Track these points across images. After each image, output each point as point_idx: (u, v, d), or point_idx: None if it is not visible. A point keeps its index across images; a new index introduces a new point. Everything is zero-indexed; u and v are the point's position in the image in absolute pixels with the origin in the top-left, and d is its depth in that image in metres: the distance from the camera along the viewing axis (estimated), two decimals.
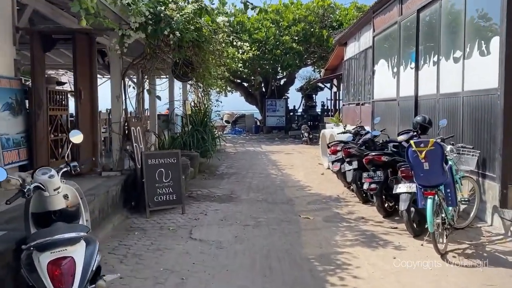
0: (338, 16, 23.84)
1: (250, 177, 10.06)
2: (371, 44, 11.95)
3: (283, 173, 10.68)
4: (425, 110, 8.16)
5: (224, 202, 7.34)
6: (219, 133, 26.49)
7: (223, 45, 9.82)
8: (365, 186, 6.43)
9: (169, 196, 6.59)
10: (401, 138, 7.08)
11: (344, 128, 9.61)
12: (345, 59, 16.08)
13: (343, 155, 7.57)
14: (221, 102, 16.79)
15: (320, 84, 26.72)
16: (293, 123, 24.88)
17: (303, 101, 27.09)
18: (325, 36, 22.54)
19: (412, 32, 8.95)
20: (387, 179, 6.27)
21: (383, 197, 6.36)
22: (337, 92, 20.63)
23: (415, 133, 6.87)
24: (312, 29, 22.94)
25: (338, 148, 8.39)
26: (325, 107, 26.59)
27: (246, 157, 14.00)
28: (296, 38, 22.94)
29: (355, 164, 7.29)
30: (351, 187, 7.68)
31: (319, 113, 26.97)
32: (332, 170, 8.65)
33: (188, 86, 15.76)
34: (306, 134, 19.50)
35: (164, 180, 6.57)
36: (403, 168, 5.49)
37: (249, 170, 11.09)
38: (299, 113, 26.98)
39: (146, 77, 7.06)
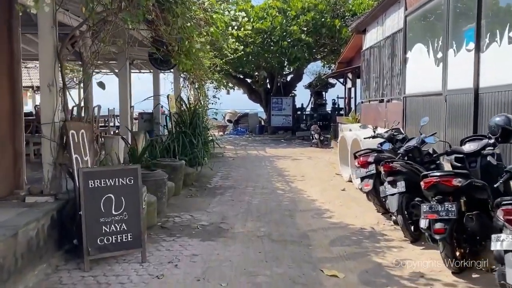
0: (351, 6, 21.48)
1: (250, 193, 7.78)
2: (402, 26, 9.62)
3: (292, 187, 8.38)
4: (491, 107, 5.84)
5: (209, 239, 5.05)
6: (219, 133, 24.34)
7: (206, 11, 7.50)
8: (423, 224, 4.11)
9: (122, 236, 4.31)
10: (469, 147, 4.80)
11: (374, 131, 7.28)
12: (364, 48, 13.74)
13: (384, 172, 5.26)
14: (218, 98, 14.51)
15: (331, 80, 24.39)
16: (301, 123, 22.55)
17: (312, 99, 24.73)
18: (337, 27, 20.19)
19: (469, 2, 6.62)
20: (460, 214, 3.97)
21: (454, 241, 4.07)
22: (352, 88, 18.28)
23: (494, 140, 4.58)
24: (323, 19, 20.57)
25: (370, 159, 6.10)
26: (337, 106, 24.26)
27: (247, 164, 11.71)
28: (305, 28, 20.60)
29: (401, 186, 4.99)
30: (393, 217, 5.36)
31: (330, 112, 24.63)
32: (362, 190, 6.34)
33: (182, 80, 13.54)
34: (316, 136, 17.17)
35: (114, 212, 4.29)
36: (508, 207, 3.19)
37: (249, 183, 8.81)
38: (307, 112, 24.62)
39: (94, 60, 4.77)
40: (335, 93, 29.49)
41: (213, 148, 11.45)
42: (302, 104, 24.69)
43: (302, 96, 26.54)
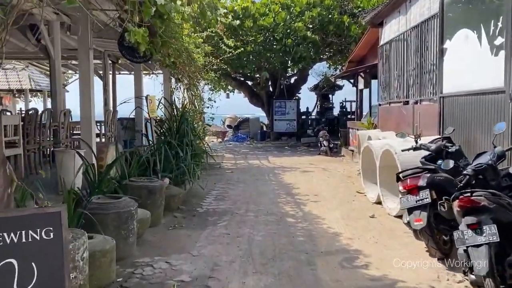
0: (359, 2, 19.73)
1: (251, 222, 5.96)
2: (437, 10, 7.84)
3: (305, 212, 6.57)
4: None
5: None
6: (218, 140, 22.54)
7: None
8: None
9: None
10: None
11: (416, 141, 5.45)
12: (381, 43, 11.96)
13: (459, 208, 3.46)
14: (214, 101, 12.69)
15: (338, 82, 22.64)
16: (308, 128, 20.72)
17: (318, 102, 22.92)
18: (346, 23, 18.46)
19: None
20: None
21: None
22: (365, 90, 16.47)
23: None
24: (330, 16, 18.83)
25: (422, 182, 4.31)
26: (345, 109, 22.48)
27: (248, 178, 9.88)
28: (311, 26, 18.88)
29: (491, 233, 3.19)
30: (471, 275, 3.52)
31: (337, 116, 22.85)
32: (410, 226, 4.51)
33: (174, 81, 11.79)
34: (325, 143, 15.36)
35: None
36: None
37: (251, 205, 7.00)
38: (313, 117, 22.79)
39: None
40: (342, 96, 27.79)
41: (208, 159, 9.71)
42: (307, 108, 22.89)
43: (307, 100, 24.75)
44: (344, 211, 6.57)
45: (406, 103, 9.89)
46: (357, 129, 14.29)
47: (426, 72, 8.53)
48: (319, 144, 15.98)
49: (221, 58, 13.10)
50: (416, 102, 9.17)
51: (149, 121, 7.54)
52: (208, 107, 12.71)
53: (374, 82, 14.77)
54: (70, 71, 17.29)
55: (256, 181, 9.41)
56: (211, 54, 12.62)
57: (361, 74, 15.81)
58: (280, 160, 13.92)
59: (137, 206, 4.74)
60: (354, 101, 22.74)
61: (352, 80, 19.07)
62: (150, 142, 7.12)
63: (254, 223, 5.87)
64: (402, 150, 5.62)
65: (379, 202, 6.90)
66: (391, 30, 11.18)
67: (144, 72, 15.96)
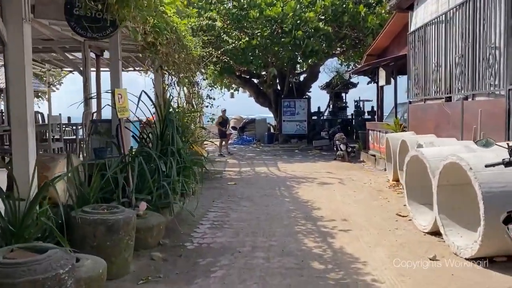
0: None
1: (260, 272, 4.09)
2: None
3: (335, 251, 4.68)
4: None
5: None
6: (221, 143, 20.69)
7: None
8: None
9: None
10: None
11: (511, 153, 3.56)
12: (412, 29, 10.07)
13: None
14: (213, 99, 10.80)
15: (353, 79, 20.75)
16: (322, 130, 18.82)
17: (330, 101, 21.00)
18: (362, 14, 16.55)
19: None
20: None
21: None
22: (387, 86, 14.54)
23: None
24: (344, 5, 16.94)
25: None
26: (360, 109, 20.56)
27: (254, 193, 8.01)
28: (324, 16, 17.02)
29: None
30: None
31: (351, 116, 20.95)
32: None
33: (168, 76, 9.96)
34: (342, 147, 13.48)
35: None
36: None
37: (259, 238, 5.12)
38: (325, 117, 20.87)
39: None
40: (355, 95, 25.92)
41: (207, 167, 7.92)
42: (318, 108, 20.98)
43: (318, 99, 22.94)
44: (389, 248, 4.69)
45: (449, 99, 8.01)
46: (381, 131, 12.42)
47: (483, 59, 6.64)
48: (334, 148, 14.10)
49: (222, 50, 11.26)
50: (465, 98, 7.29)
51: (135, 123, 5.75)
52: (207, 106, 10.87)
53: (398, 78, 12.89)
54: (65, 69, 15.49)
55: (264, 198, 7.53)
56: (211, 45, 10.85)
57: (382, 68, 13.90)
58: (291, 167, 12.05)
59: (75, 261, 2.91)
60: (368, 100, 20.94)
61: (370, 76, 17.17)
62: (124, 152, 5.28)
63: (264, 273, 4.00)
64: (486, 166, 3.72)
65: (434, 233, 5.02)
66: (426, 12, 9.28)
67: (139, 69, 14.25)
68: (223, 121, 16.30)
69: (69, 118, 10.66)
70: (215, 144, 20.21)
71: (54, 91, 19.54)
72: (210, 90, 10.81)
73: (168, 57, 8.19)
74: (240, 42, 12.11)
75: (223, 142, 16.48)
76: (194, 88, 10.67)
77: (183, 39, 7.96)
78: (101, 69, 14.35)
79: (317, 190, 8.22)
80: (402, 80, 13.59)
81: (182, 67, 8.39)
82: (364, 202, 7.10)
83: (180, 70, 8.05)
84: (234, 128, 23.65)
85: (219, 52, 10.92)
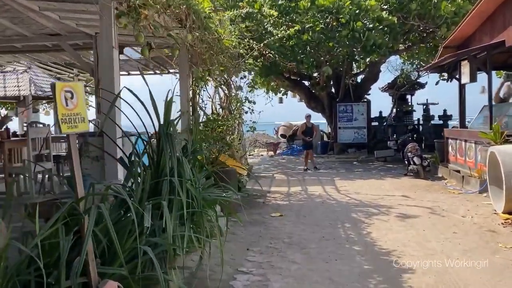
0: None
1: None
2: None
3: None
4: None
5: None
6: (268, 153, 18.37)
7: None
8: None
9: None
10: None
11: None
12: None
13: None
14: (254, 103, 8.53)
15: (421, 79, 17.92)
16: (385, 138, 16.14)
17: (394, 104, 18.17)
18: (434, 0, 13.81)
19: None
20: None
21: None
22: (467, 85, 11.69)
23: None
24: None
25: None
26: (428, 113, 17.64)
27: (307, 236, 5.61)
28: (388, 5, 14.44)
29: None
30: None
31: (417, 121, 18.04)
32: None
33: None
34: (416, 160, 10.82)
35: None
36: None
37: None
38: (388, 122, 18.06)
39: None
40: (422, 97, 22.95)
41: (243, 185, 5.71)
42: (380, 113, 18.23)
43: (379, 102, 20.28)
44: None
45: None
46: (467, 141, 9.73)
47: None
48: (405, 161, 11.44)
49: (265, 43, 9.03)
50: None
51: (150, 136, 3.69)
52: (247, 112, 8.66)
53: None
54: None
55: (323, 244, 5.17)
56: (250, 34, 8.67)
57: (469, 61, 11.09)
58: (353, 186, 9.60)
59: None
60: (434, 103, 17.92)
61: (448, 72, 14.29)
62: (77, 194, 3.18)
63: None
64: None
65: None
66: None
67: (158, 71, 12.39)
68: (307, 129, 13.54)
69: None
70: (261, 155, 18.17)
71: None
72: (250, 91, 8.58)
73: (196, 51, 6.14)
74: (289, 32, 9.83)
75: (309, 155, 13.50)
76: (231, 91, 8.54)
77: (208, 27, 5.83)
78: (121, 72, 12.68)
79: (398, 230, 5.74)
80: (481, 76, 10.82)
81: (212, 61, 6.26)
82: (478, 255, 4.56)
83: (209, 64, 5.91)
84: (283, 136, 21.42)
85: (262, 45, 8.70)
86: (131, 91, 3.67)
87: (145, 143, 3.82)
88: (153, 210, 3.18)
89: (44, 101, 13.65)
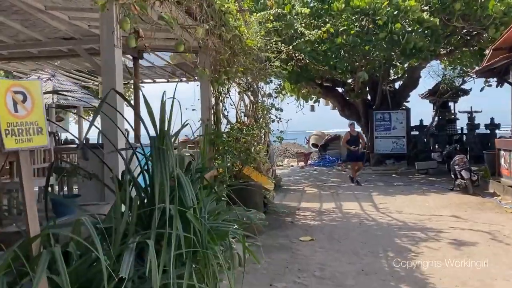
0: None
1: None
2: None
3: None
4: None
5: None
6: (299, 164, 17.42)
7: None
8: None
9: None
10: None
11: None
12: None
13: None
14: (281, 110, 7.65)
15: (465, 85, 16.62)
16: (426, 148, 14.94)
17: (436, 112, 16.89)
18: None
19: None
20: None
21: None
22: None
23: None
24: None
25: None
26: (473, 122, 16.29)
27: (343, 269, 4.65)
28: (429, 6, 13.35)
29: None
30: None
31: (461, 130, 16.70)
32: None
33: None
34: (465, 174, 9.70)
35: None
36: None
37: None
38: (429, 131, 16.75)
39: None
40: (466, 104, 21.50)
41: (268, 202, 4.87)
42: (420, 121, 17.00)
43: (418, 110, 19.01)
44: None
45: None
46: None
47: None
48: (452, 175, 10.31)
49: (295, 44, 8.23)
50: None
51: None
52: (273, 121, 7.83)
53: None
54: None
55: (362, 281, 4.23)
56: (279, 39, 7.87)
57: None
58: (394, 203, 8.59)
59: None
60: (477, 111, 16.51)
61: (490, 80, 13.11)
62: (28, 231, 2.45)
63: None
64: None
65: None
66: None
67: (184, 79, 11.75)
68: (352, 138, 12.39)
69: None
70: (291, 166, 17.26)
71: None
72: (276, 97, 7.73)
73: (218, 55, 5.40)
74: (321, 32, 9.00)
75: (356, 167, 12.48)
76: (256, 97, 7.76)
77: (227, 22, 5.09)
78: (146, 80, 12.13)
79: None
80: None
81: (231, 62, 5.50)
82: None
83: (226, 65, 5.16)
84: (315, 145, 20.46)
85: (291, 47, 7.90)
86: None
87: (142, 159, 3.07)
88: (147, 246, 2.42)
89: (74, 110, 13.31)
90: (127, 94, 18.91)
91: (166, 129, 2.87)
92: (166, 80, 12.19)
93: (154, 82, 12.27)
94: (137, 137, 8.31)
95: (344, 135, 13.27)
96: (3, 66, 10.66)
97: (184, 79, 11.85)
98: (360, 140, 12.57)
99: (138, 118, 8.59)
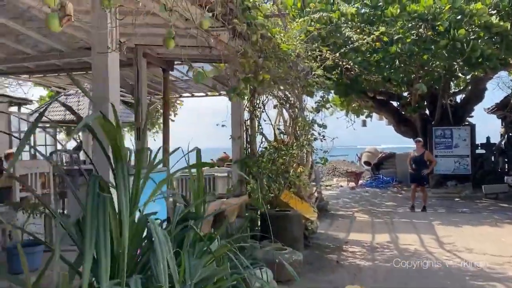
0: None
1: None
2: None
3: None
4: None
5: None
6: (349, 185, 15.99)
7: None
8: None
9: None
10: None
11: None
12: None
13: None
14: (324, 127, 6.51)
15: None
16: (496, 169, 13.22)
17: (506, 129, 15.03)
18: None
19: None
20: None
21: None
22: None
23: None
24: None
25: None
26: None
27: None
28: (497, 9, 11.81)
29: None
30: None
31: None
32: None
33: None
34: None
35: None
36: None
37: None
38: (499, 150, 14.91)
39: None
40: None
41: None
42: (487, 138, 15.18)
43: (484, 126, 17.20)
44: None
45: None
46: None
47: None
48: None
49: (341, 53, 7.18)
50: None
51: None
52: (316, 139, 6.74)
53: None
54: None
55: None
56: (327, 50, 6.81)
57: None
58: (461, 237, 7.21)
59: None
60: None
61: None
62: None
63: None
64: None
65: None
66: None
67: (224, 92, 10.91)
68: (416, 158, 10.89)
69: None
70: (340, 186, 15.87)
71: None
72: (319, 112, 6.64)
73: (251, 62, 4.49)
74: (372, 36, 7.89)
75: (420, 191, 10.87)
76: (296, 112, 6.74)
77: (251, 17, 4.16)
78: (185, 94, 11.46)
79: None
80: None
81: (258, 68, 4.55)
82: None
83: (247, 69, 4.21)
84: (367, 163, 19.00)
85: (338, 54, 6.84)
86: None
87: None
88: None
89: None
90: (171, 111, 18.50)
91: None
92: (204, 94, 11.46)
93: (193, 96, 11.58)
94: (166, 150, 7.52)
95: (409, 153, 11.79)
96: (39, 81, 10.36)
97: (223, 92, 11.08)
98: (426, 159, 10.94)
99: (167, 135, 7.87)
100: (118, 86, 3.56)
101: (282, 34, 5.25)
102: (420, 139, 11.69)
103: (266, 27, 3.99)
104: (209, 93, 11.63)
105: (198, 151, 2.56)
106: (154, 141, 15.78)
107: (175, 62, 7.59)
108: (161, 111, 18.00)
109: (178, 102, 18.23)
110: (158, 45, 6.47)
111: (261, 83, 4.37)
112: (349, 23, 11.38)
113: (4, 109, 9.89)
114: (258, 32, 3.87)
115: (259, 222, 6.27)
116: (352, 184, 15.87)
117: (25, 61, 7.36)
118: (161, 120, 18.74)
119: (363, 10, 12.53)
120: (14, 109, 10.98)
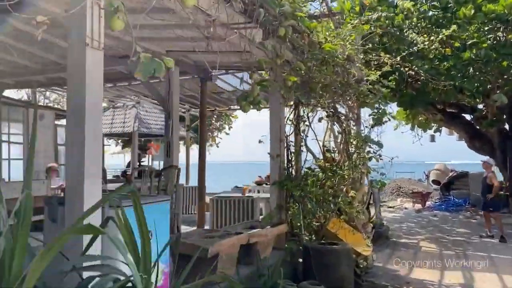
0: None
1: None
2: None
3: None
4: None
5: None
6: (414, 206, 14.34)
7: None
8: None
9: None
10: None
11: None
12: None
13: None
14: (379, 145, 5.45)
15: None
16: None
17: None
18: None
19: None
20: None
21: None
22: None
23: None
24: None
25: None
26: None
27: None
28: None
29: None
30: None
31: None
32: None
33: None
34: None
35: None
36: None
37: None
38: None
39: None
40: None
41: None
42: None
43: None
44: None
45: None
46: None
47: None
48: None
49: (402, 56, 6.12)
50: None
51: None
52: (370, 159, 5.71)
53: None
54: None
55: None
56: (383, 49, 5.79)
57: None
58: None
59: None
60: None
61: None
62: None
63: None
64: None
65: None
66: None
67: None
68: (483, 181, 10.00)
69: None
70: (404, 208, 14.33)
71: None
72: (374, 127, 5.61)
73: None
74: (442, 35, 6.74)
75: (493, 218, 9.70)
76: (346, 127, 5.76)
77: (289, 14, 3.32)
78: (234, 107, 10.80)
79: None
80: None
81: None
82: None
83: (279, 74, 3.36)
84: (436, 182, 17.27)
85: (398, 58, 5.80)
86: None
87: None
88: None
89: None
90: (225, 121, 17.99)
91: None
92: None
93: (230, 109, 10.93)
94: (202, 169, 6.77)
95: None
96: None
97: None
98: (488, 183, 9.63)
99: (203, 151, 7.16)
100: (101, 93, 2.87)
101: (327, 33, 4.35)
102: (486, 160, 10.26)
103: (298, 18, 3.14)
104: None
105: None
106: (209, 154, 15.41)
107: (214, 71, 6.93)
108: (215, 123, 17.59)
109: (233, 115, 17.70)
110: (193, 51, 5.83)
111: (289, 89, 3.49)
112: (414, 26, 10.22)
113: (51, 121, 9.77)
114: (285, 23, 3.01)
115: (302, 255, 5.34)
116: (418, 206, 14.32)
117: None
118: (215, 133, 18.35)
119: (430, 13, 11.28)
120: (62, 122, 10.97)
